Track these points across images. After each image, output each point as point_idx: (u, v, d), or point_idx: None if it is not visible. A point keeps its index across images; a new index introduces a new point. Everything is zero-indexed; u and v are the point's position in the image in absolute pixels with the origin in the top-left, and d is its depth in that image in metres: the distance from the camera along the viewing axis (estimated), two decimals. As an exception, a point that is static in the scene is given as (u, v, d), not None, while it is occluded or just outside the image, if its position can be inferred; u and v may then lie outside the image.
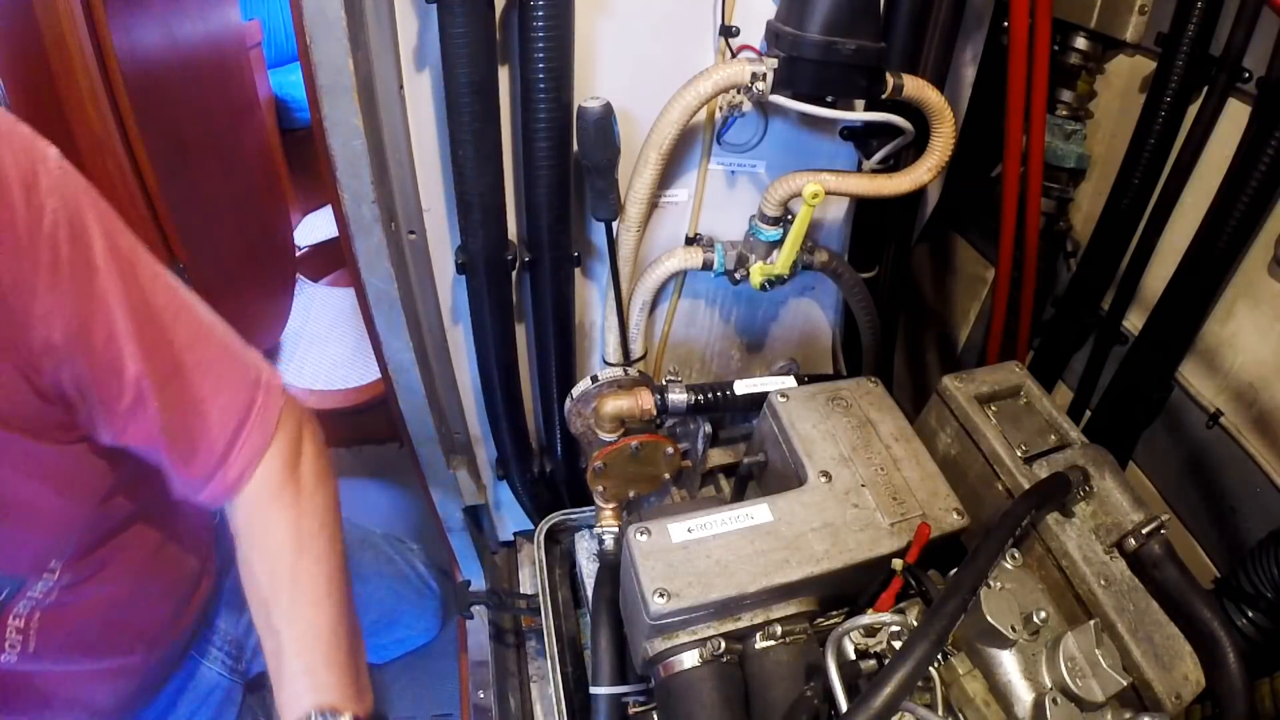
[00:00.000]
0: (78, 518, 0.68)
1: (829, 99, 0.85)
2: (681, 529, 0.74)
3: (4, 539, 0.62)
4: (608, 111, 0.80)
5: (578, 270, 1.00)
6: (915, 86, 0.84)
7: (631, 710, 0.86)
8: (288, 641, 0.66)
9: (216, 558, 0.97)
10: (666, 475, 1.04)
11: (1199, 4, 0.86)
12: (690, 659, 0.72)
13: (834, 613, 0.82)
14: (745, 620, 0.74)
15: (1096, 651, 0.65)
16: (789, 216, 0.95)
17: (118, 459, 0.67)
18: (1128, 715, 0.66)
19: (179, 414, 0.63)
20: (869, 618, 0.66)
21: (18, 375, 0.56)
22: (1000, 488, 0.84)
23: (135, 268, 0.61)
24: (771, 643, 0.74)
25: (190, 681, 0.98)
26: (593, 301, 1.10)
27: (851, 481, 0.82)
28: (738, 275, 1.02)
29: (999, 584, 0.69)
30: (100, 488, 0.68)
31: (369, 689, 0.71)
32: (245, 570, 0.70)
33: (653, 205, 0.98)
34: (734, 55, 0.86)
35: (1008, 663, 0.67)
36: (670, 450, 1.01)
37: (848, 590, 0.79)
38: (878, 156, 0.94)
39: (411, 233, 0.94)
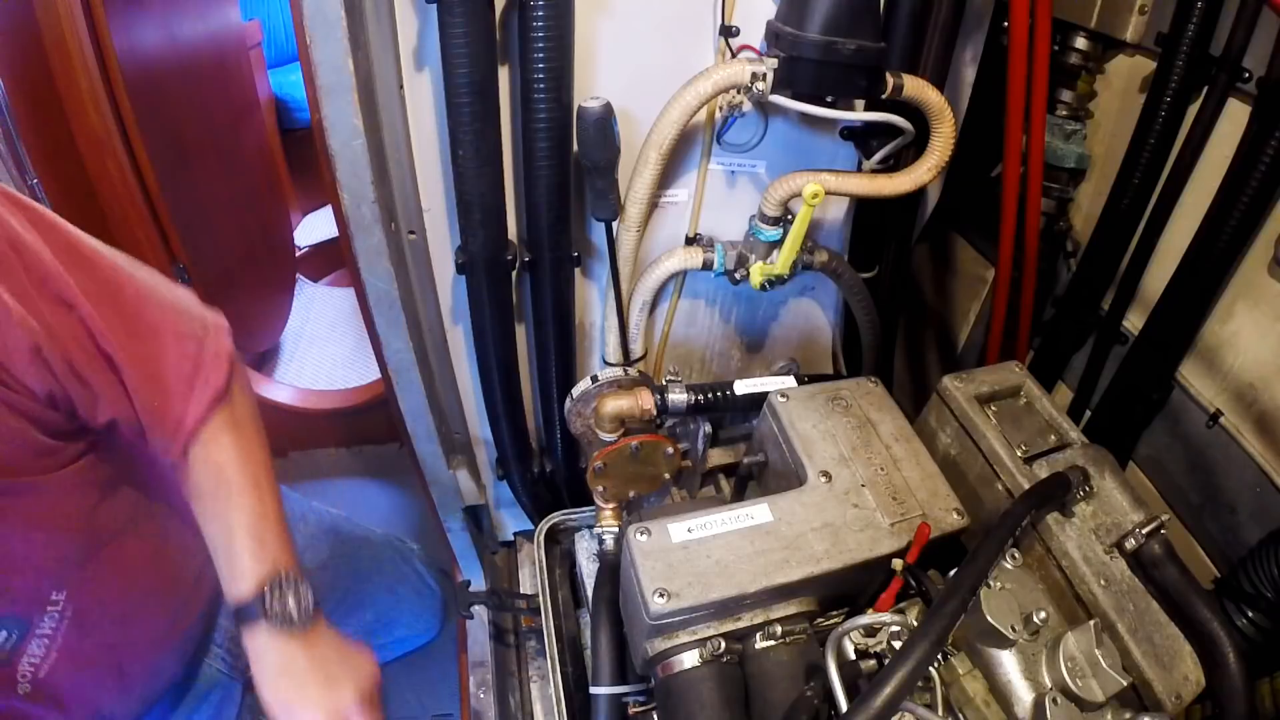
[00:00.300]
0: (69, 545, 0.71)
1: (829, 99, 0.85)
2: (681, 529, 0.74)
3: (6, 578, 0.65)
4: (608, 111, 0.80)
5: (578, 270, 1.00)
6: (915, 86, 0.84)
7: (631, 710, 0.86)
8: (238, 525, 0.75)
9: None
10: (666, 475, 1.04)
11: (1199, 4, 0.86)
12: (690, 659, 0.72)
13: (834, 613, 0.82)
14: (745, 620, 0.74)
15: (1096, 651, 0.65)
16: (789, 216, 0.95)
17: (100, 469, 0.72)
18: (1128, 715, 0.66)
19: (142, 372, 0.68)
20: (869, 618, 0.66)
21: (14, 415, 0.60)
22: (1000, 488, 0.84)
23: (78, 251, 0.65)
24: (771, 643, 0.74)
25: (191, 680, 0.98)
26: (593, 301, 1.10)
27: (851, 481, 0.82)
28: (738, 275, 1.02)
29: (999, 584, 0.69)
30: (84, 504, 0.71)
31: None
32: (192, 481, 0.76)
33: (653, 205, 0.98)
34: (734, 55, 0.86)
35: (1008, 663, 0.67)
36: (670, 450, 1.01)
37: (848, 590, 0.79)
38: (878, 156, 0.94)
39: (411, 233, 0.94)
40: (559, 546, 1.19)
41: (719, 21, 0.84)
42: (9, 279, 0.59)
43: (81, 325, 0.64)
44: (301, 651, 0.75)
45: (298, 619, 0.74)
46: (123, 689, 0.84)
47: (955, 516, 0.80)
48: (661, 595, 0.68)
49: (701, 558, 0.72)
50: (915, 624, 0.65)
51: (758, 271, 0.99)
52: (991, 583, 0.68)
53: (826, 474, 0.82)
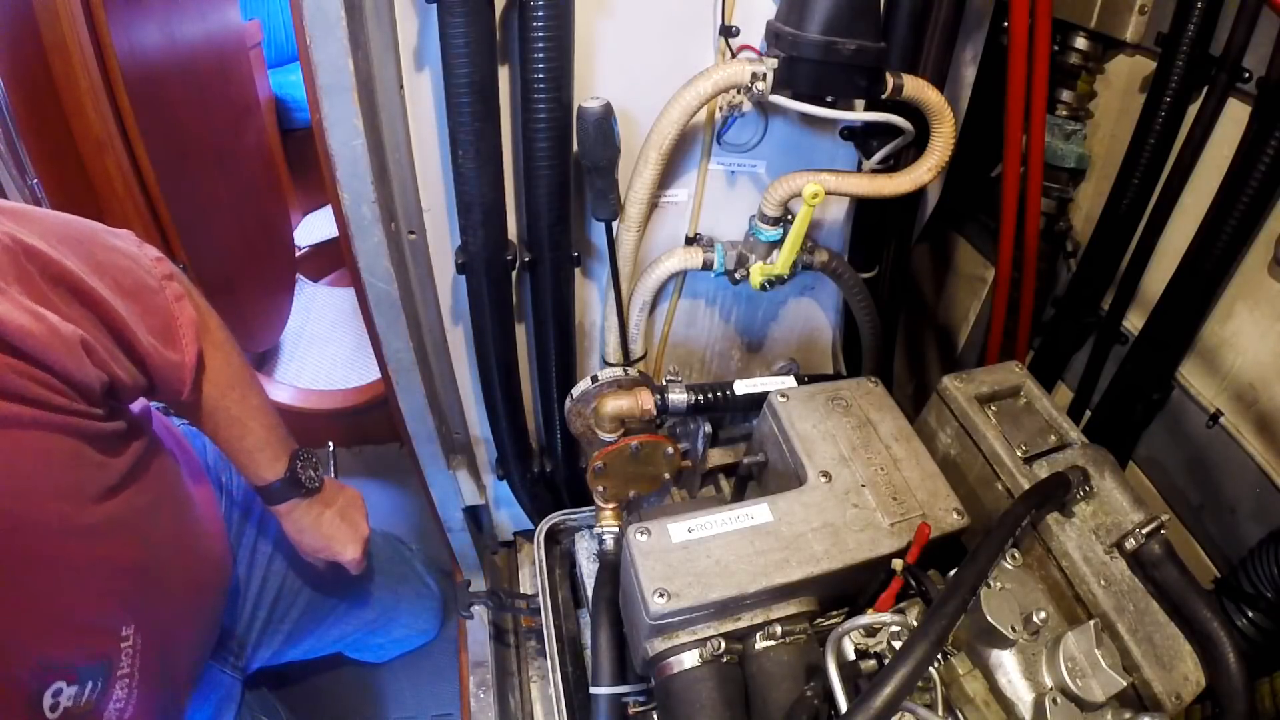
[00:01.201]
0: (135, 562, 0.73)
1: (829, 99, 0.85)
2: (681, 529, 0.74)
3: (80, 618, 0.66)
4: (608, 111, 0.80)
5: (578, 270, 1.00)
6: (915, 86, 0.84)
7: (631, 710, 0.86)
8: (255, 425, 0.90)
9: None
10: (666, 475, 1.04)
11: (1199, 4, 0.86)
12: (690, 659, 0.72)
13: (834, 613, 0.82)
14: (745, 620, 0.74)
15: (1096, 651, 0.65)
16: (789, 216, 0.95)
17: (144, 482, 0.76)
18: (1128, 715, 0.66)
19: (148, 331, 0.72)
20: (869, 618, 0.66)
21: (71, 437, 0.63)
22: (1000, 488, 0.84)
23: (64, 234, 0.67)
24: (771, 643, 0.74)
25: None
26: (593, 301, 1.10)
27: (851, 481, 0.82)
28: (738, 275, 1.02)
29: (999, 584, 0.70)
30: (134, 531, 0.73)
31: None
32: (203, 408, 0.85)
33: (653, 205, 0.98)
34: (734, 55, 0.86)
35: (1008, 663, 0.67)
36: (670, 450, 1.01)
37: (848, 590, 0.79)
38: (878, 156, 0.94)
39: (411, 233, 0.94)
40: (559, 546, 1.19)
41: (719, 21, 0.84)
42: (30, 287, 0.60)
43: (95, 309, 0.66)
44: (323, 506, 1.01)
45: (317, 484, 0.98)
46: (179, 707, 0.86)
47: (955, 516, 0.80)
48: (661, 595, 0.68)
49: (701, 558, 0.72)
50: (915, 624, 0.65)
51: (758, 271, 0.99)
52: (991, 583, 0.69)
53: (826, 474, 0.82)
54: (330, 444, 1.01)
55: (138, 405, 0.82)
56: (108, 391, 0.67)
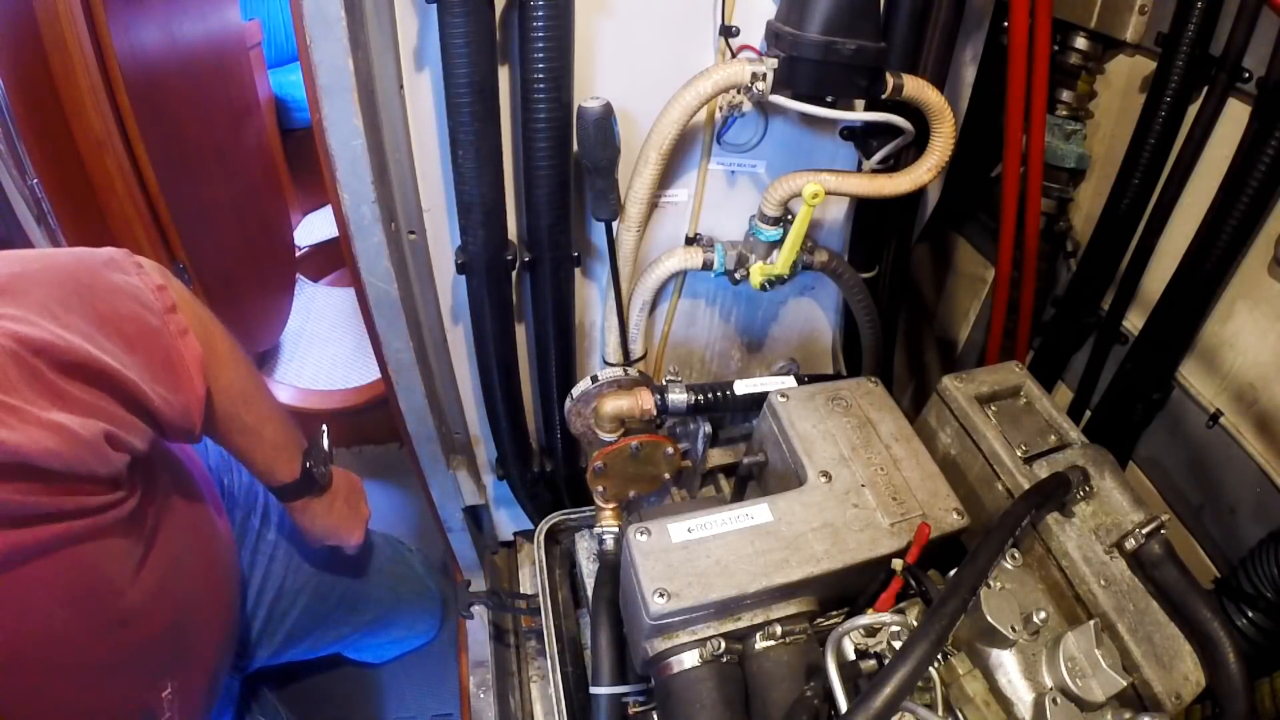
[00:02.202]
0: (162, 646, 0.74)
1: (829, 99, 0.85)
2: (681, 529, 0.74)
3: (135, 685, 0.69)
4: (608, 111, 0.80)
5: (578, 270, 1.00)
6: (915, 86, 0.84)
7: (631, 710, 0.86)
8: (268, 431, 0.91)
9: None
10: (666, 475, 1.04)
11: (1199, 4, 0.86)
12: (690, 659, 0.72)
13: (834, 613, 0.82)
14: (745, 620, 0.74)
15: (1096, 651, 0.65)
16: (789, 216, 0.95)
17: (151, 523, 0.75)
18: (1128, 715, 0.66)
19: (158, 380, 0.70)
20: (869, 618, 0.66)
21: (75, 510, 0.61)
22: (1000, 488, 0.84)
23: (66, 292, 0.65)
24: (771, 643, 0.74)
25: None
26: (593, 301, 1.10)
27: (851, 481, 0.82)
28: (738, 275, 1.02)
29: (999, 584, 0.70)
30: (160, 585, 0.74)
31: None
32: (214, 424, 0.84)
33: (653, 205, 0.98)
34: (734, 55, 0.86)
35: (1008, 663, 0.67)
36: (670, 450, 1.01)
37: (848, 590, 0.79)
38: (878, 156, 0.94)
39: (411, 233, 0.94)
40: (559, 546, 1.19)
41: (719, 21, 0.84)
42: (41, 387, 0.58)
43: (110, 383, 0.64)
44: (332, 497, 1.05)
45: (328, 478, 1.02)
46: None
47: (955, 516, 0.80)
48: (661, 595, 0.68)
49: (701, 558, 0.72)
50: (915, 624, 0.65)
51: (758, 271, 0.99)
52: (991, 583, 0.69)
53: (826, 474, 0.82)
54: (324, 427, 1.02)
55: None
56: (129, 465, 0.66)
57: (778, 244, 0.97)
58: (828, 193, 0.88)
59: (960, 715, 0.67)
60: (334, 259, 2.54)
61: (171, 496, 0.81)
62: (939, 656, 0.67)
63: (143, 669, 0.71)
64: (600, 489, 1.03)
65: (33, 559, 0.57)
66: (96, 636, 0.66)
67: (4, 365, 0.55)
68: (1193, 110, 0.93)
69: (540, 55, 0.74)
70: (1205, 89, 0.92)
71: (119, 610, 0.68)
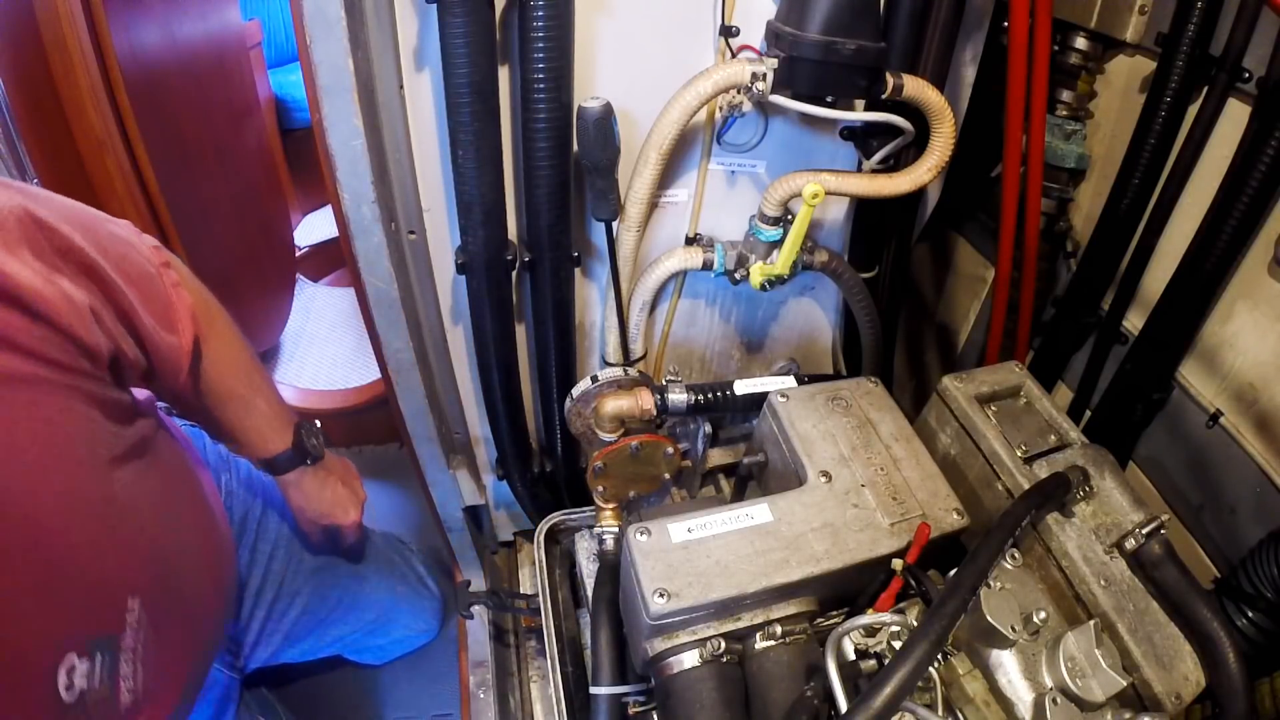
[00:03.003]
0: (138, 548, 0.73)
1: (829, 99, 0.85)
2: (681, 529, 0.74)
3: (94, 589, 0.66)
4: (608, 111, 0.80)
5: (578, 270, 1.00)
6: (915, 86, 0.84)
7: (631, 710, 0.86)
8: (260, 401, 0.94)
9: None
10: (666, 475, 1.04)
11: (1199, 4, 0.86)
12: (690, 659, 0.72)
13: (834, 613, 0.82)
14: (745, 620, 0.74)
15: (1096, 651, 0.65)
16: (789, 216, 0.95)
17: (152, 458, 0.78)
18: (1128, 715, 0.66)
19: (150, 314, 0.74)
20: (869, 618, 0.66)
21: (85, 402, 0.65)
22: (1000, 488, 0.84)
23: (74, 215, 0.68)
24: (771, 643, 0.74)
25: None
26: (593, 301, 1.10)
27: (851, 481, 0.82)
28: (738, 275, 1.02)
29: (999, 584, 0.70)
30: (145, 498, 0.75)
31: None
32: (203, 388, 0.87)
33: (653, 205, 0.98)
34: (734, 55, 0.86)
35: (1008, 663, 0.67)
36: (670, 450, 1.01)
37: (848, 590, 0.79)
38: (878, 156, 0.94)
39: (411, 233, 0.94)
40: (559, 546, 1.19)
41: (719, 21, 0.84)
42: (42, 255, 0.61)
43: (101, 286, 0.67)
44: (325, 473, 1.06)
45: (320, 452, 1.03)
46: (188, 692, 0.85)
47: (955, 516, 0.80)
48: (661, 595, 0.68)
49: (701, 558, 0.72)
50: (915, 624, 0.65)
51: (758, 271, 0.99)
52: (991, 583, 0.69)
53: (826, 474, 0.82)
54: (317, 421, 1.05)
55: (143, 395, 0.83)
56: (113, 363, 0.68)
57: (778, 244, 0.97)
58: (828, 193, 0.88)
59: (960, 715, 0.67)
60: (334, 259, 2.54)
61: (164, 442, 0.82)
62: (939, 656, 0.67)
63: (114, 561, 0.69)
64: (600, 489, 1.03)
65: (27, 385, 0.58)
66: (80, 497, 0.65)
67: (11, 225, 0.59)
68: (1193, 110, 0.93)
69: (540, 55, 0.74)
70: (1205, 89, 0.92)
71: (99, 481, 0.67)
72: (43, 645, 0.60)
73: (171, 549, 0.80)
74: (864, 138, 0.95)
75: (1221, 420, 0.96)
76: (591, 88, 0.86)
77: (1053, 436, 0.87)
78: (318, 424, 1.04)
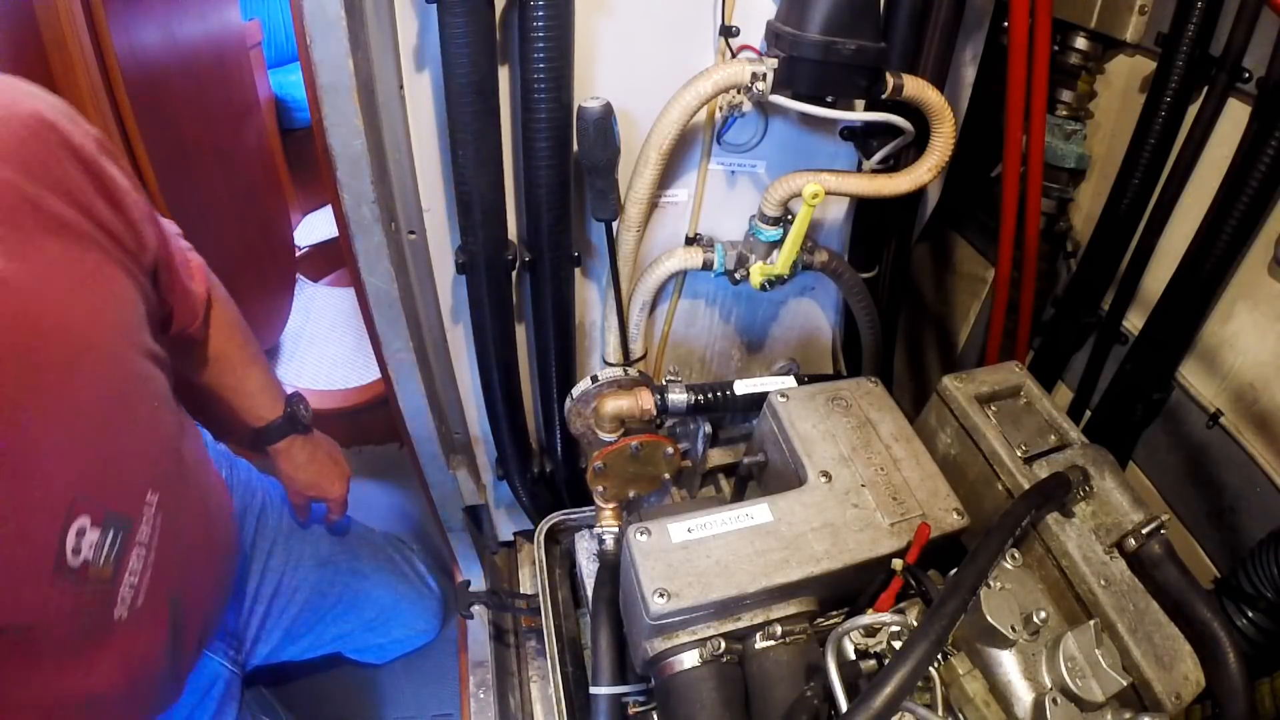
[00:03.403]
0: (169, 441, 0.79)
1: (829, 99, 0.85)
2: (681, 529, 0.74)
3: (119, 457, 0.68)
4: (608, 111, 0.80)
5: (578, 270, 1.00)
6: (915, 86, 0.84)
7: (631, 710, 0.86)
8: (255, 370, 1.01)
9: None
10: (666, 475, 1.04)
11: (1199, 4, 0.86)
12: (690, 659, 0.72)
13: (834, 613, 0.82)
14: (745, 620, 0.74)
15: (1096, 651, 0.65)
16: (789, 216, 0.95)
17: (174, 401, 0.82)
18: (1128, 715, 0.66)
19: (176, 260, 0.81)
20: (869, 618, 0.66)
21: (134, 285, 0.71)
22: (1000, 488, 0.84)
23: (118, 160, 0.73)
24: (771, 643, 0.74)
25: (194, 673, 0.99)
26: (593, 301, 1.10)
27: (851, 481, 0.82)
28: (738, 275, 1.02)
29: (999, 584, 0.70)
30: (175, 416, 0.81)
31: None
32: (210, 348, 0.94)
33: (653, 205, 0.98)
34: (734, 55, 0.86)
35: (1008, 663, 0.67)
36: (670, 450, 1.01)
37: (848, 590, 0.79)
38: (878, 156, 0.94)
39: (411, 233, 0.94)
40: (559, 546, 1.19)
41: (719, 21, 0.84)
42: (124, 170, 0.70)
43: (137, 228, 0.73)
44: (314, 445, 1.11)
45: (309, 420, 1.08)
46: (184, 636, 0.85)
47: (955, 516, 0.80)
48: (661, 595, 0.68)
49: (701, 558, 0.72)
50: (915, 624, 0.65)
51: (758, 271, 0.99)
52: (991, 583, 0.68)
53: (826, 474, 0.82)
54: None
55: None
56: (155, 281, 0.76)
57: (778, 244, 0.97)
58: (828, 193, 0.88)
59: (960, 715, 0.67)
60: (334, 259, 2.54)
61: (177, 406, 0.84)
62: (939, 656, 0.67)
63: (143, 448, 0.71)
64: (600, 489, 1.03)
65: (101, 253, 0.66)
66: (125, 371, 0.69)
67: (102, 140, 0.68)
68: (1193, 110, 0.93)
69: (540, 55, 0.74)
70: (1205, 89, 0.92)
71: (135, 373, 0.70)
72: (62, 492, 0.60)
73: (188, 486, 0.83)
74: (864, 138, 0.95)
75: (1221, 420, 0.96)
76: (591, 88, 0.86)
77: (1053, 436, 0.87)
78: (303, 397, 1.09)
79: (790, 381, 1.00)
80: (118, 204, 0.67)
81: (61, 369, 0.60)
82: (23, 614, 0.58)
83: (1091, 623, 0.68)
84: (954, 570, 0.67)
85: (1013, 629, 0.66)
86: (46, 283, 0.59)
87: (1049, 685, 0.66)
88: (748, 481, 1.04)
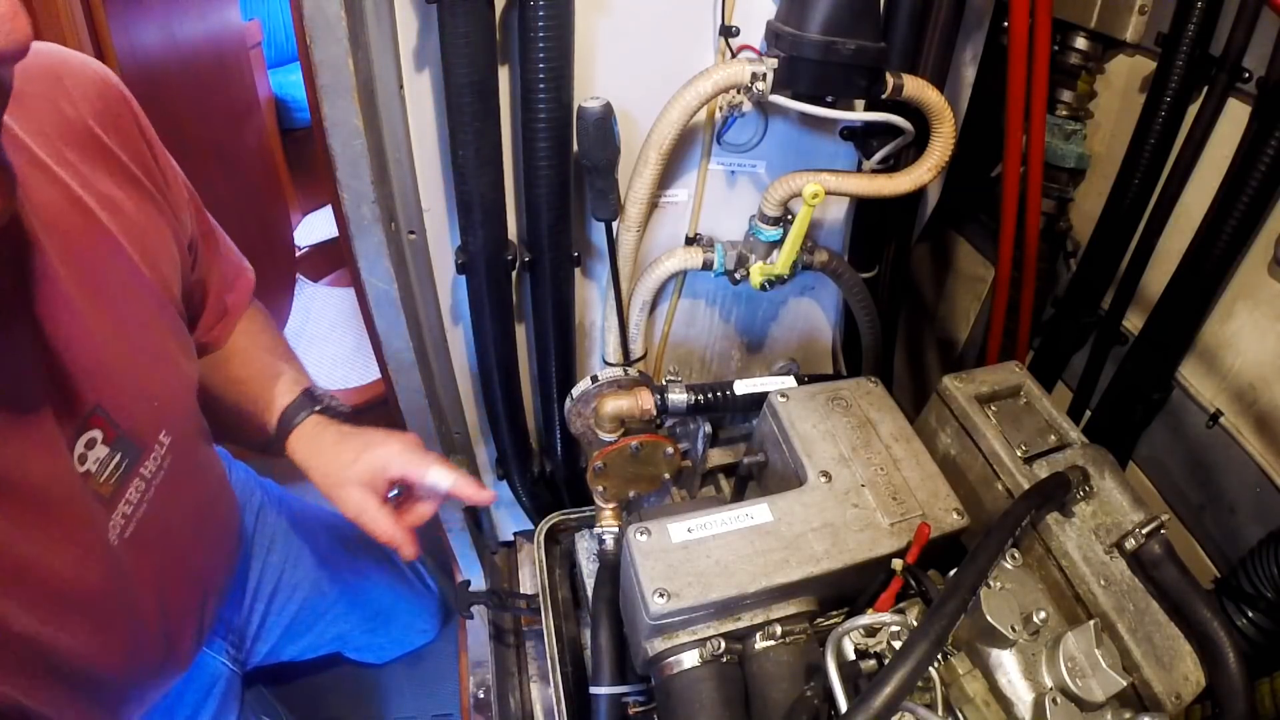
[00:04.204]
0: (188, 390, 0.78)
1: (829, 99, 0.85)
2: (681, 529, 0.74)
3: (143, 386, 0.69)
4: (608, 111, 0.80)
5: (578, 270, 1.00)
6: (915, 86, 0.84)
7: (631, 710, 0.86)
8: (277, 358, 0.92)
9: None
10: (666, 475, 1.04)
11: (1199, 4, 0.86)
12: (690, 659, 0.72)
13: (834, 613, 0.82)
14: (745, 620, 0.74)
15: (1096, 651, 0.65)
16: (789, 216, 0.95)
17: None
18: (1128, 715, 0.66)
19: (222, 255, 0.88)
20: (869, 618, 0.66)
21: (176, 248, 0.75)
22: (1000, 488, 0.84)
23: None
24: (771, 643, 0.74)
25: (196, 670, 0.99)
26: (593, 301, 1.10)
27: (851, 481, 0.82)
28: (738, 275, 1.02)
29: (999, 584, 0.69)
30: (190, 379, 0.79)
31: None
32: (230, 348, 0.91)
33: (653, 205, 0.98)
34: (734, 55, 0.86)
35: (1008, 663, 0.67)
36: (670, 450, 1.01)
37: (848, 590, 0.79)
38: (878, 156, 0.94)
39: (411, 233, 0.94)
40: (559, 546, 1.19)
41: (719, 21, 0.84)
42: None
43: (198, 208, 0.81)
44: (350, 427, 0.88)
45: (341, 406, 0.92)
46: (185, 586, 0.84)
47: (955, 516, 0.80)
48: (661, 595, 0.68)
49: (701, 558, 0.72)
50: (915, 624, 0.65)
51: (758, 271, 0.99)
52: (991, 583, 0.68)
53: (826, 474, 0.82)
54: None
55: None
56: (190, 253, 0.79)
57: (778, 244, 0.97)
58: (828, 193, 0.88)
59: (960, 715, 0.67)
60: (334, 259, 2.54)
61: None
62: (939, 656, 0.67)
63: (153, 388, 0.71)
64: (600, 489, 1.03)
65: (152, 204, 0.72)
66: (160, 310, 0.71)
67: (148, 128, 0.73)
68: (1193, 110, 0.93)
69: (540, 55, 0.74)
70: (1205, 89, 0.92)
71: (159, 324, 0.72)
72: (83, 399, 0.62)
73: (194, 444, 0.81)
74: (864, 138, 0.95)
75: (1221, 420, 0.96)
76: (591, 88, 0.86)
77: (1053, 436, 0.87)
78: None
79: (790, 381, 1.00)
80: (167, 180, 0.74)
81: (116, 284, 0.65)
82: (32, 474, 0.58)
83: (1091, 623, 0.68)
84: (954, 570, 0.67)
85: (1013, 629, 0.66)
86: (111, 211, 0.65)
87: (1049, 685, 0.66)
88: (748, 481, 1.04)
